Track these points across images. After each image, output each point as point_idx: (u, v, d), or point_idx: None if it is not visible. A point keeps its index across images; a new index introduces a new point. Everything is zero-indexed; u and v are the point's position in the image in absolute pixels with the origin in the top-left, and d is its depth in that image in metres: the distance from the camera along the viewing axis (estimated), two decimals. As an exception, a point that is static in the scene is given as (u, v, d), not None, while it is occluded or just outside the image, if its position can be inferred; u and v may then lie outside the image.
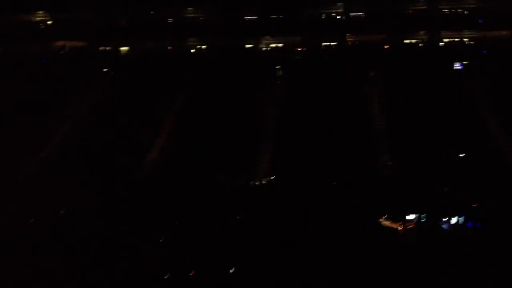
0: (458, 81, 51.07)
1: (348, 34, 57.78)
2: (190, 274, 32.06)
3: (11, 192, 40.16)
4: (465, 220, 36.05)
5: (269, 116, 49.70)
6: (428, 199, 37.70)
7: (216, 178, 41.25)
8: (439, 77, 50.60)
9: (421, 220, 36.58)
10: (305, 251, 32.98)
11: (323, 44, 56.36)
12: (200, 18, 57.00)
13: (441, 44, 55.43)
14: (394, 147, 44.50)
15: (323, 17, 57.07)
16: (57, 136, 48.14)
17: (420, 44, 55.88)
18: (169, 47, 55.63)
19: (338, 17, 57.08)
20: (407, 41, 55.84)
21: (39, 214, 37.14)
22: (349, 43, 57.18)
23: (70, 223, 36.42)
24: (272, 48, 58.48)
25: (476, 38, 55.31)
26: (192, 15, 56.99)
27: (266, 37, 57.73)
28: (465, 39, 55.37)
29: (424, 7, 56.24)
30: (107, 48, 54.29)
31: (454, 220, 36.26)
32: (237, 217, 37.20)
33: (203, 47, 56.92)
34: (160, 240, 34.65)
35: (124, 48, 55.07)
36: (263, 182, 42.15)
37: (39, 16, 52.24)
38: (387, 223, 36.66)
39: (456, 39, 55.72)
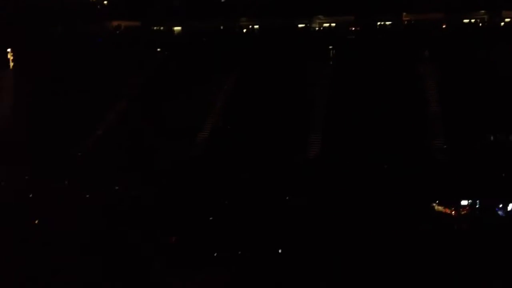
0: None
1: (404, 13, 56.28)
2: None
3: (69, 167, 41.39)
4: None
5: (320, 97, 49.24)
6: (483, 184, 36.13)
7: (266, 158, 41.87)
8: (499, 58, 48.55)
9: (476, 206, 35.62)
10: (355, 235, 31.64)
11: (378, 23, 55.18)
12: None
13: (502, 24, 53.44)
14: (449, 130, 43.23)
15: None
16: (112, 115, 49.50)
17: (479, 24, 54.11)
18: (221, 27, 55.99)
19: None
20: (466, 20, 54.28)
21: (94, 190, 37.87)
22: (405, 22, 55.70)
23: (123, 199, 37.04)
24: (325, 27, 57.56)
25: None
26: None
27: (319, 16, 56.68)
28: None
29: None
30: (161, 27, 54.83)
31: (511, 207, 34.83)
32: (286, 198, 36.81)
33: (255, 26, 56.73)
34: (210, 219, 34.80)
35: (177, 28, 55.46)
36: (314, 163, 41.80)
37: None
38: (440, 208, 35.68)
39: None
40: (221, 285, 28.16)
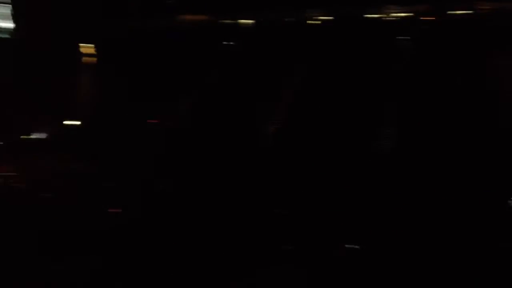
0: None
1: (480, 2, 53.52)
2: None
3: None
4: None
5: (392, 91, 48.59)
6: None
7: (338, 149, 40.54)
8: None
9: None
10: (431, 228, 30.37)
11: (453, 12, 52.69)
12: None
13: None
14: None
15: (453, -18, 53.55)
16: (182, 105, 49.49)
17: None
18: (287, 19, 54.96)
19: (470, -18, 53.10)
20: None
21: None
22: (482, 12, 53.05)
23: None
24: (396, 17, 54.31)
25: None
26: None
27: (389, 6, 53.21)
28: None
29: None
30: (228, 21, 54.95)
31: None
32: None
33: (324, 18, 55.59)
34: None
35: (244, 21, 55.37)
36: (387, 155, 40.20)
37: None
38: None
39: None
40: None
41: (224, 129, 45.34)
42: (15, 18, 51.97)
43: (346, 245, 29.11)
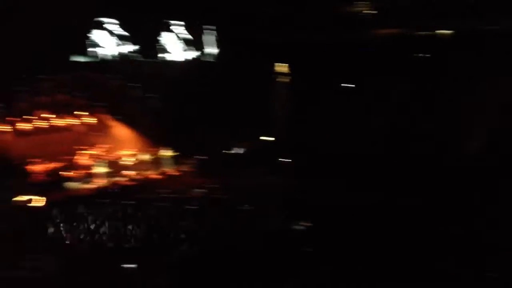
0: None
1: None
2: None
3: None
4: None
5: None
6: None
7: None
8: None
9: None
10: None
11: None
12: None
13: None
14: None
15: None
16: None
17: None
18: (489, 27, 50.45)
19: None
20: None
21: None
22: None
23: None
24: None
25: None
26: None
27: None
28: None
29: None
30: (424, 32, 52.80)
31: None
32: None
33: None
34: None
35: (443, 32, 52.63)
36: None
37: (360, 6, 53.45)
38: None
39: None
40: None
41: (426, 146, 43.60)
42: (219, 44, 55.88)
43: None
